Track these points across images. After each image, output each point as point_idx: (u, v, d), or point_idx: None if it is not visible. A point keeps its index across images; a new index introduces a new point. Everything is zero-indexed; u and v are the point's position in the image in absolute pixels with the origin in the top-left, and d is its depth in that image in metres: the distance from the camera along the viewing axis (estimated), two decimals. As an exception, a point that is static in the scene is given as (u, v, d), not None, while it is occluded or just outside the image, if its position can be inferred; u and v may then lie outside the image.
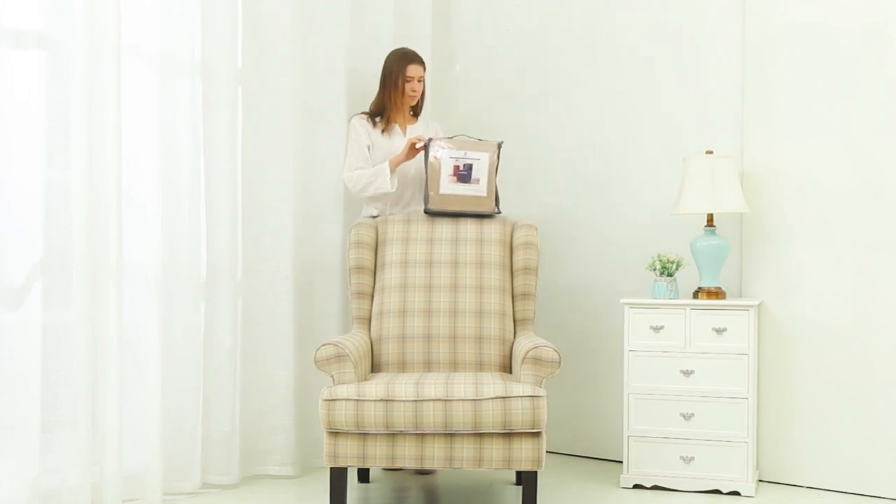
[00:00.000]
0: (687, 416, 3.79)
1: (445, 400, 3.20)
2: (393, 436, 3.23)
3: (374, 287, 3.88)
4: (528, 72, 4.58)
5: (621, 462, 4.24)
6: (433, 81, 4.64)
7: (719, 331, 3.75)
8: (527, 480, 3.28)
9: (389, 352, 3.71)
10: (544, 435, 3.25)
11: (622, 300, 3.88)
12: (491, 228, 3.91)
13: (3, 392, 3.17)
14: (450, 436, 3.23)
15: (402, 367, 3.70)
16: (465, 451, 3.22)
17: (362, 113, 4.18)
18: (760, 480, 3.95)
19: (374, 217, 4.14)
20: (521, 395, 3.20)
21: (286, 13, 4.01)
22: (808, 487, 3.85)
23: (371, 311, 3.84)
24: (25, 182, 3.22)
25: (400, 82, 4.10)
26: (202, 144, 3.78)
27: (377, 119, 4.15)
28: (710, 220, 3.89)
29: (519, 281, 3.84)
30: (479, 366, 3.69)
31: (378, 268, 3.89)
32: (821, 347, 3.81)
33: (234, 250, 3.89)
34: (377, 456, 3.24)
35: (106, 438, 3.43)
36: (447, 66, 4.79)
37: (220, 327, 3.84)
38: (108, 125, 3.41)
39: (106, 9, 3.37)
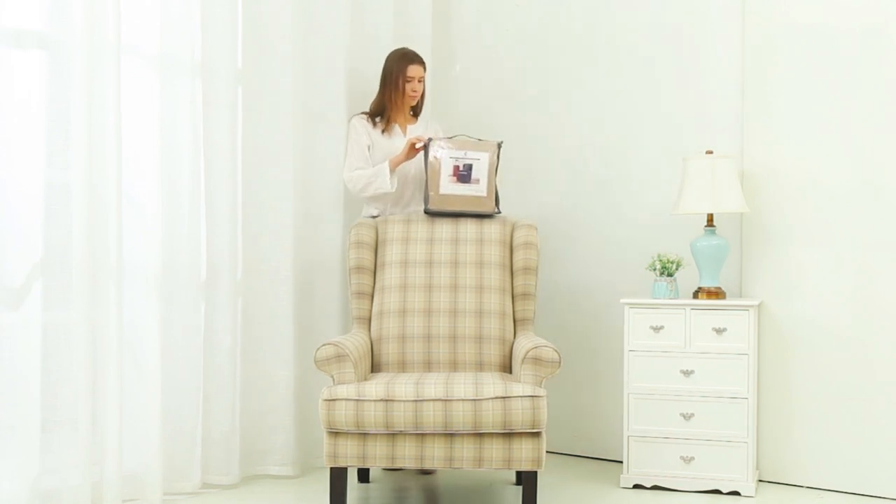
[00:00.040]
0: (687, 416, 3.79)
1: (445, 400, 3.20)
2: (393, 436, 3.23)
3: (374, 287, 3.88)
4: (528, 72, 4.58)
5: (621, 462, 4.24)
6: (433, 81, 4.64)
7: (719, 331, 3.75)
8: (527, 480, 3.28)
9: (389, 352, 3.71)
10: (544, 435, 3.25)
11: (622, 300, 3.88)
12: (491, 228, 3.91)
13: (3, 392, 3.17)
14: (450, 436, 3.23)
15: (402, 367, 3.70)
16: (465, 451, 3.22)
17: (362, 113, 4.18)
18: (760, 480, 3.95)
19: (374, 217, 4.14)
20: (521, 395, 3.20)
21: (286, 13, 4.01)
22: (808, 487, 3.85)
23: (371, 311, 3.84)
24: (25, 182, 3.22)
25: (400, 82, 4.10)
26: (202, 144, 3.78)
27: (377, 119, 4.16)
28: (710, 220, 3.89)
29: (519, 281, 3.84)
30: (479, 366, 3.69)
31: (378, 268, 3.89)
32: (821, 347, 3.81)
33: (234, 250, 3.89)
34: (377, 456, 3.24)
35: (106, 438, 3.43)
36: (447, 66, 4.79)
37: (220, 327, 3.84)
38: (108, 125, 3.41)
39: (106, 9, 3.37)
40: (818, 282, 3.81)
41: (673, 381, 3.80)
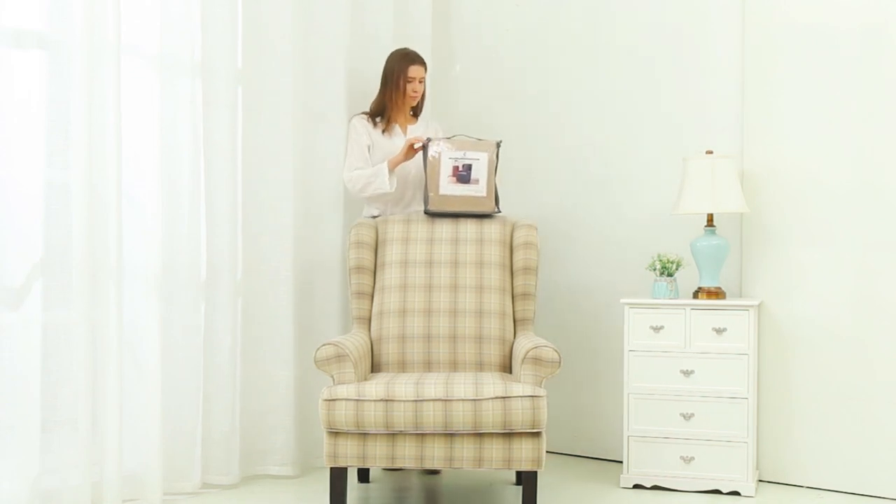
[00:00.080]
0: (687, 416, 3.79)
1: (445, 400, 3.20)
2: (393, 436, 3.23)
3: (374, 287, 3.88)
4: (528, 72, 4.58)
5: (621, 462, 4.24)
6: (433, 81, 4.64)
7: (719, 331, 3.75)
8: (527, 480, 3.28)
9: (389, 352, 3.71)
10: (544, 435, 3.25)
11: (622, 300, 3.88)
12: (491, 228, 3.91)
13: (3, 392, 3.17)
14: (450, 436, 3.23)
15: (402, 367, 3.70)
16: (465, 451, 3.22)
17: (363, 113, 4.18)
18: (760, 480, 3.95)
19: (374, 217, 4.14)
20: (521, 395, 3.20)
21: (286, 13, 4.01)
22: (808, 487, 3.85)
23: (371, 311, 3.84)
24: (25, 182, 3.22)
25: (401, 83, 4.10)
26: (202, 144, 3.78)
27: (378, 119, 4.16)
28: (710, 220, 3.89)
29: (519, 281, 3.84)
30: (479, 366, 3.69)
31: (378, 268, 3.89)
32: (821, 347, 3.81)
33: (234, 250, 3.89)
34: (377, 456, 3.24)
35: (106, 438, 3.43)
36: (447, 66, 4.79)
37: (220, 327, 3.84)
38: (108, 125, 3.41)
39: (106, 9, 3.37)
40: (818, 282, 3.81)
41: (673, 381, 3.80)
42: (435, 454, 3.23)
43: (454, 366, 3.69)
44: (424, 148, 3.92)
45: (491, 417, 3.18)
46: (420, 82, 4.13)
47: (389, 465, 3.24)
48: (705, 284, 3.85)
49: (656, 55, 4.22)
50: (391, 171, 3.98)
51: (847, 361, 3.75)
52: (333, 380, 3.34)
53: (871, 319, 3.71)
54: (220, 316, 3.84)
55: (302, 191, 4.10)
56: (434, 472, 4.12)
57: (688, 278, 4.08)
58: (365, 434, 3.24)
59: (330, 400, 3.23)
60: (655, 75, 4.23)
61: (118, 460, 3.43)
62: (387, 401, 3.20)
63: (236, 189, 3.89)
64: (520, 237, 3.89)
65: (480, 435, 3.22)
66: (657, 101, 4.22)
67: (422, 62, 4.12)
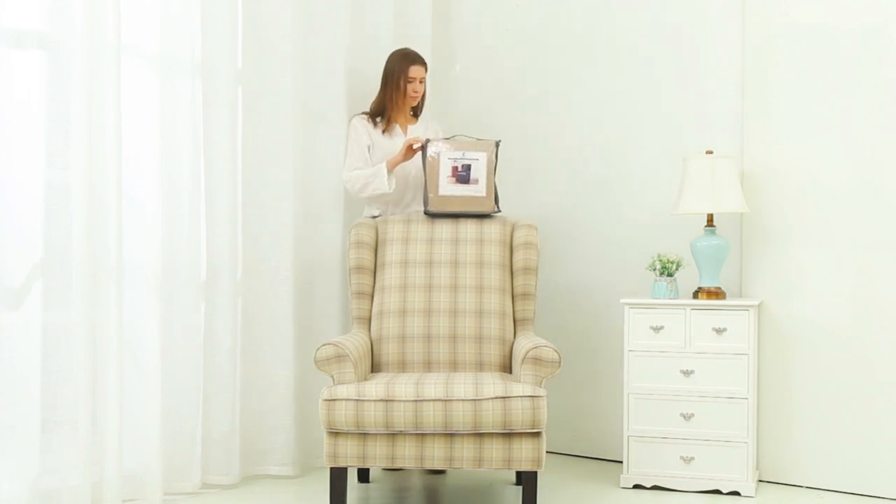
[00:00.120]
0: (687, 416, 3.79)
1: (445, 400, 3.20)
2: (393, 436, 3.23)
3: (374, 287, 3.88)
4: (528, 72, 4.58)
5: (621, 462, 4.24)
6: (433, 81, 4.64)
7: (719, 331, 3.75)
8: (527, 480, 3.28)
9: (389, 352, 3.71)
10: (544, 435, 3.25)
11: (622, 300, 3.88)
12: (491, 228, 3.91)
13: (3, 392, 3.17)
14: (450, 436, 3.23)
15: (402, 367, 3.70)
16: (465, 451, 3.22)
17: (363, 113, 4.18)
18: (760, 480, 3.95)
19: (374, 217, 4.14)
20: (521, 395, 3.20)
21: (286, 13, 4.01)
22: (808, 487, 3.85)
23: (371, 311, 3.84)
24: (25, 182, 3.22)
25: (402, 83, 4.10)
26: (202, 144, 3.78)
27: (378, 119, 4.16)
28: (710, 220, 3.89)
29: (519, 281, 3.84)
30: (479, 366, 3.69)
31: (378, 268, 3.89)
32: (821, 347, 3.81)
33: (234, 250, 3.89)
34: (377, 456, 3.24)
35: (106, 438, 3.43)
36: (447, 66, 4.79)
37: (220, 327, 3.84)
38: (108, 125, 3.41)
39: (106, 9, 3.37)
40: (818, 282, 3.81)
41: (673, 381, 3.80)
42: (435, 454, 3.23)
43: (454, 366, 3.69)
44: (423, 148, 3.92)
45: (491, 417, 3.18)
46: (420, 82, 4.13)
47: (389, 466, 3.24)
48: (705, 284, 3.85)
49: (656, 55, 4.22)
50: (390, 171, 3.98)
51: (847, 361, 3.75)
52: (333, 380, 3.34)
53: (871, 319, 3.71)
54: (220, 316, 3.84)
55: (302, 191, 4.10)
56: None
57: (688, 278, 4.08)
58: (365, 434, 3.24)
59: (330, 400, 3.23)
60: (655, 75, 4.23)
61: (118, 460, 3.43)
62: (387, 401, 3.20)
63: (236, 189, 3.89)
64: (520, 237, 3.89)
65: (480, 435, 3.22)
66: (657, 101, 4.22)
67: (422, 62, 4.12)
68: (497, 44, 4.67)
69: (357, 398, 3.21)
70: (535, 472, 3.27)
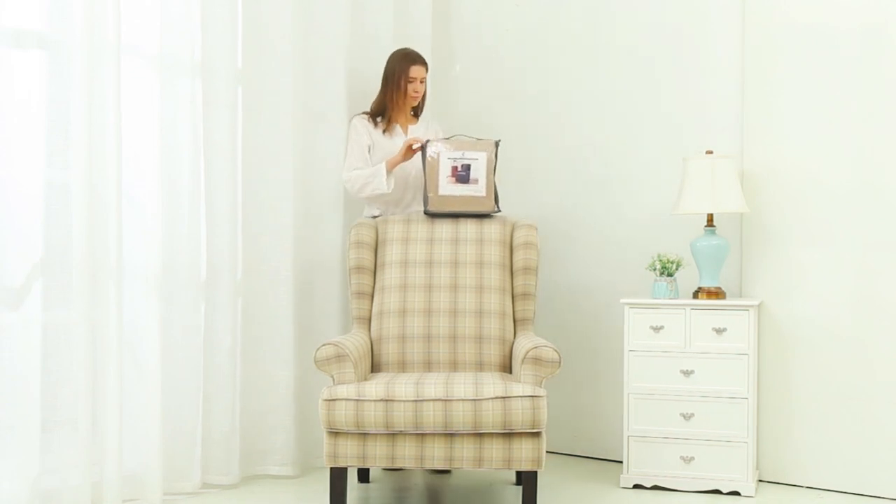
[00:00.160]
0: (687, 416, 3.78)
1: (445, 400, 3.20)
2: (393, 436, 3.23)
3: (374, 287, 3.88)
4: (528, 72, 4.58)
5: (621, 462, 4.24)
6: (433, 81, 4.64)
7: (719, 331, 3.75)
8: (527, 480, 3.27)
9: (389, 352, 3.71)
10: (544, 435, 3.25)
11: (622, 300, 3.88)
12: (491, 228, 3.91)
13: (3, 392, 3.17)
14: (450, 436, 3.23)
15: (402, 367, 3.70)
16: (465, 451, 3.22)
17: (363, 113, 4.18)
18: (760, 480, 3.95)
19: (375, 217, 4.14)
20: (521, 395, 3.20)
21: (286, 13, 4.01)
22: (808, 487, 3.85)
23: (371, 311, 3.84)
24: (25, 182, 3.22)
25: (402, 83, 4.10)
26: (202, 144, 3.78)
27: (378, 119, 4.16)
28: (710, 220, 3.89)
29: (519, 281, 3.84)
30: (479, 366, 3.69)
31: (378, 268, 3.89)
32: (821, 347, 3.81)
33: (234, 250, 3.89)
34: (377, 456, 3.24)
35: (106, 438, 3.43)
36: (447, 66, 4.79)
37: (220, 327, 3.84)
38: (108, 125, 3.41)
39: (106, 9, 3.37)
40: (818, 282, 3.81)
41: (673, 381, 3.80)
42: (435, 454, 3.23)
43: (454, 366, 3.69)
44: (423, 148, 3.92)
45: (491, 417, 3.18)
46: (421, 82, 4.13)
47: (389, 466, 3.24)
48: (705, 284, 3.85)
49: (656, 55, 4.22)
50: (389, 171, 3.98)
51: (847, 361, 3.75)
52: (333, 380, 3.34)
53: (871, 319, 3.71)
54: (220, 316, 3.84)
55: (302, 191, 4.10)
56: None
57: (688, 278, 4.08)
58: (365, 434, 3.24)
59: (330, 400, 3.23)
60: (655, 75, 4.23)
61: (118, 460, 3.43)
62: (387, 401, 3.20)
63: (236, 189, 3.89)
64: (520, 237, 3.89)
65: (480, 435, 3.22)
66: (657, 101, 4.22)
67: (423, 62, 4.12)
68: (497, 44, 4.67)
69: (357, 398, 3.21)
70: (535, 472, 3.27)
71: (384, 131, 4.14)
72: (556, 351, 3.30)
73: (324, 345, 3.34)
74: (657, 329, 3.82)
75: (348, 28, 4.28)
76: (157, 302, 3.56)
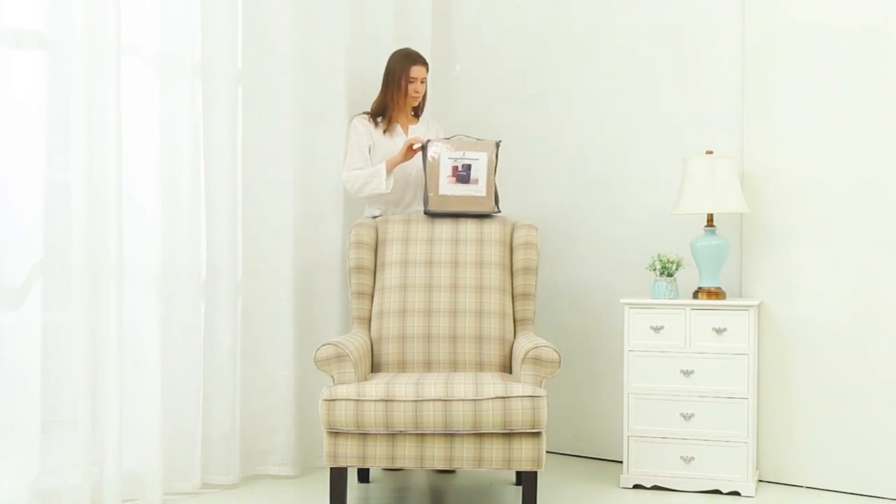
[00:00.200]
0: (687, 416, 3.78)
1: (445, 400, 3.20)
2: (393, 436, 3.23)
3: (374, 287, 3.88)
4: (528, 72, 4.58)
5: (621, 462, 4.24)
6: (433, 81, 4.64)
7: (719, 331, 3.75)
8: (527, 480, 3.28)
9: (389, 352, 3.71)
10: (544, 435, 3.25)
11: (622, 300, 3.88)
12: (491, 228, 3.91)
13: (3, 392, 3.17)
14: (450, 436, 3.23)
15: (402, 367, 3.70)
16: (465, 451, 3.22)
17: (364, 113, 4.18)
18: (760, 480, 3.95)
19: (375, 217, 4.14)
20: (521, 395, 3.20)
21: (286, 13, 4.01)
22: (808, 487, 3.85)
23: (371, 311, 3.84)
24: (25, 182, 3.22)
25: (403, 83, 4.10)
26: (202, 144, 3.78)
27: (379, 119, 4.16)
28: (710, 220, 3.89)
29: (519, 281, 3.84)
30: (479, 366, 3.69)
31: (378, 268, 3.89)
32: (821, 347, 3.81)
33: (234, 250, 3.89)
34: (377, 456, 3.24)
35: (106, 438, 3.43)
36: (447, 66, 4.79)
37: (220, 327, 3.84)
38: (108, 125, 3.41)
39: (106, 9, 3.37)
40: (818, 282, 3.81)
41: (673, 381, 3.80)
42: (435, 454, 3.23)
43: (454, 366, 3.69)
44: (424, 148, 3.92)
45: (491, 417, 3.18)
46: (422, 82, 4.13)
47: (389, 466, 3.24)
48: (705, 284, 3.85)
49: (656, 55, 4.22)
50: (389, 171, 3.98)
51: (847, 361, 3.75)
52: (333, 380, 3.34)
53: (871, 319, 3.71)
54: (220, 316, 3.84)
55: (302, 191, 4.11)
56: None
57: (688, 278, 4.08)
58: (365, 434, 3.24)
59: (330, 400, 3.23)
60: (655, 75, 4.23)
61: (118, 460, 3.43)
62: (387, 401, 3.20)
63: (236, 189, 3.89)
64: (520, 237, 3.89)
65: (480, 435, 3.22)
66: (657, 101, 4.22)
67: (424, 62, 4.13)
68: (497, 44, 4.67)
69: (357, 398, 3.21)
70: (535, 472, 3.27)
71: (385, 131, 4.14)
72: (556, 351, 3.30)
73: (324, 345, 3.34)
74: (657, 329, 3.82)
75: (348, 28, 4.28)
76: (157, 302, 3.56)
